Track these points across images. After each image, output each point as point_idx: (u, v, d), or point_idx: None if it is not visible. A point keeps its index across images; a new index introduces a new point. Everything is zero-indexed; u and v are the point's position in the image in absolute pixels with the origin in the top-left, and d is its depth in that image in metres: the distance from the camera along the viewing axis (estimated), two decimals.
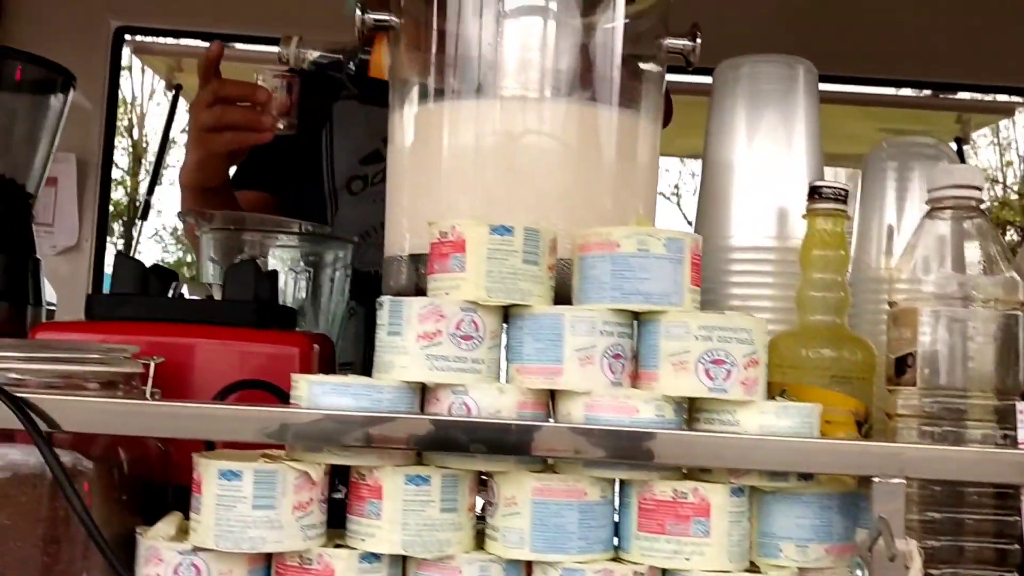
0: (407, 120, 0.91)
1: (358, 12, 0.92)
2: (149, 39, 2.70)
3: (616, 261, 0.68)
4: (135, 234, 2.99)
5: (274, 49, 2.89)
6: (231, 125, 1.18)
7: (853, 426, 0.80)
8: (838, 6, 2.55)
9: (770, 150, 0.91)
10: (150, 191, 2.86)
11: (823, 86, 0.98)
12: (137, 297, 0.83)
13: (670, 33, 0.90)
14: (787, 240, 0.90)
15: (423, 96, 0.90)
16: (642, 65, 0.88)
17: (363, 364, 1.12)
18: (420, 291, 0.87)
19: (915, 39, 2.57)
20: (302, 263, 1.14)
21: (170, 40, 2.78)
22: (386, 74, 1.17)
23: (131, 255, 0.86)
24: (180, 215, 1.09)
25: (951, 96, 3.18)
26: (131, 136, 10.06)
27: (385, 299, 0.70)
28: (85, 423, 0.64)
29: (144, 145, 10.02)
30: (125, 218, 9.10)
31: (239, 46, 2.79)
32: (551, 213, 0.82)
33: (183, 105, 2.99)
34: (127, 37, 2.58)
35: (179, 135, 3.89)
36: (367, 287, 1.24)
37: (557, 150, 0.84)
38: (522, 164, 0.84)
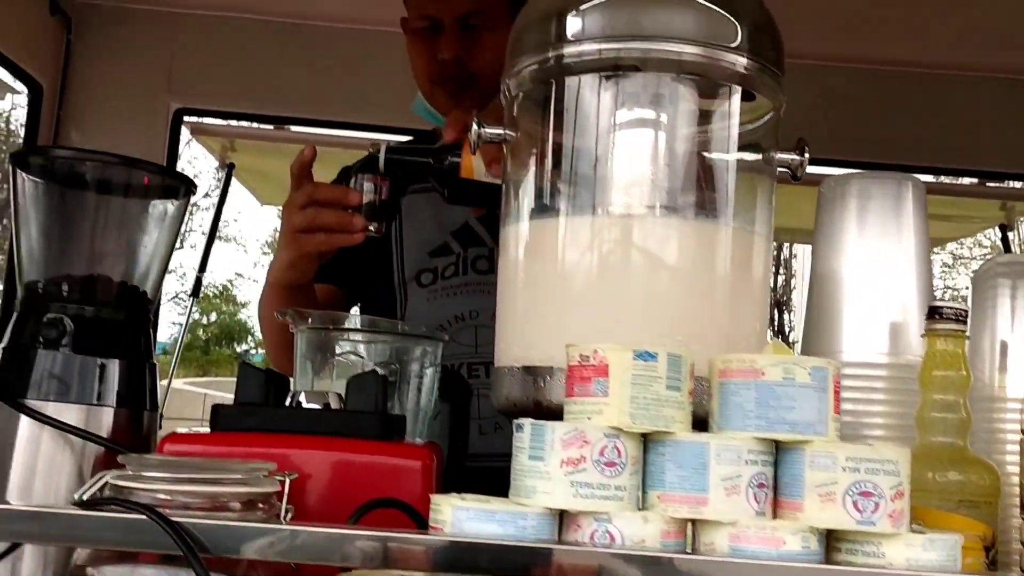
0: (520, 233, 0.92)
1: (474, 126, 0.94)
2: (205, 120, 2.76)
3: (761, 389, 0.68)
4: (188, 311, 2.99)
5: (325, 132, 2.94)
6: (323, 227, 1.20)
7: (981, 551, 0.79)
8: (883, 94, 2.59)
9: (880, 266, 0.92)
10: (202, 268, 2.89)
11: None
12: (262, 408, 0.83)
13: (779, 146, 0.92)
14: (899, 356, 0.90)
15: (537, 210, 0.92)
16: (754, 179, 0.90)
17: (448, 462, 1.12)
18: (537, 404, 0.88)
19: (959, 128, 2.60)
20: (391, 360, 1.15)
21: (223, 121, 2.83)
22: (476, 174, 1.19)
23: (251, 364, 0.87)
24: (279, 313, 1.09)
25: (996, 184, 3.19)
26: None
27: (526, 422, 0.70)
28: (235, 548, 0.64)
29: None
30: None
31: (294, 128, 2.85)
32: (668, 331, 0.83)
33: (235, 183, 3.04)
34: (185, 119, 2.64)
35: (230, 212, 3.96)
36: (449, 383, 1.25)
37: (672, 267, 0.85)
38: (637, 281, 0.85)
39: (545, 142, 0.91)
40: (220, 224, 3.06)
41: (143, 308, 0.92)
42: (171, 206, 0.94)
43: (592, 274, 0.86)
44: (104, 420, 0.88)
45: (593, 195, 0.88)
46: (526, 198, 0.93)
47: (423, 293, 1.50)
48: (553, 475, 0.67)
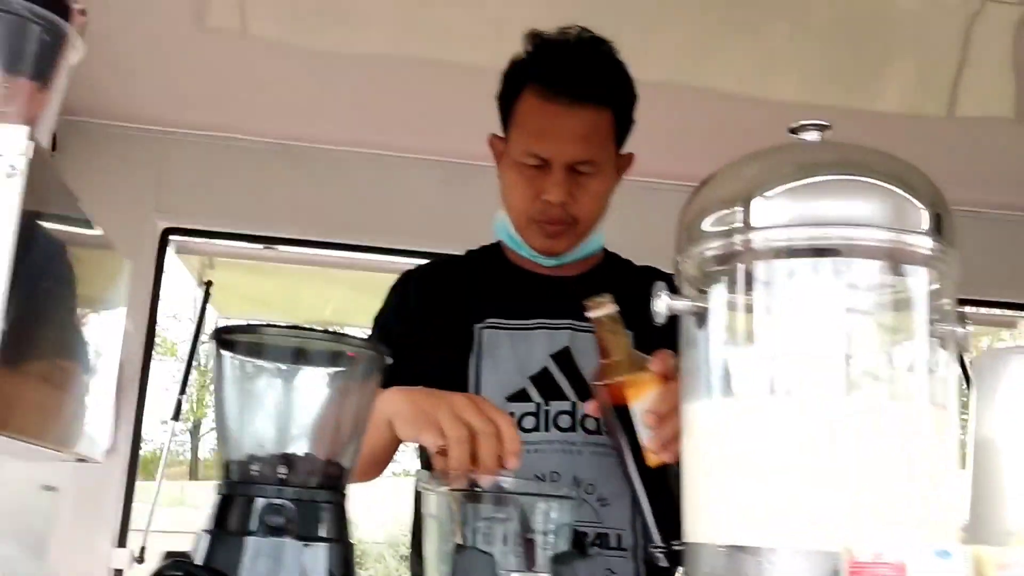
0: (713, 410, 0.94)
1: (665, 296, 0.96)
2: (190, 239, 2.71)
3: None
4: (169, 435, 2.89)
5: (313, 252, 2.94)
6: (471, 452, 1.15)
7: None
8: None
9: None
10: (182, 390, 2.81)
11: None
12: None
13: (944, 318, 0.97)
14: None
15: (726, 389, 0.94)
16: (940, 353, 0.94)
17: None
18: None
19: None
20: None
21: (207, 240, 2.79)
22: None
23: (476, 550, 0.86)
24: (421, 486, 1.08)
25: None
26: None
27: None
28: None
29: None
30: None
31: (281, 248, 2.82)
32: (876, 514, 0.85)
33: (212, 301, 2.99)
34: (171, 238, 2.60)
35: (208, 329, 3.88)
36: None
37: (876, 449, 0.88)
38: (835, 467, 0.87)
39: (732, 322, 0.95)
40: (199, 344, 2.99)
41: (344, 485, 0.91)
42: (369, 376, 0.93)
43: (791, 456, 0.88)
44: None
45: (789, 376, 0.91)
46: (716, 377, 0.95)
47: None
48: None
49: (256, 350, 0.90)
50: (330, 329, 0.89)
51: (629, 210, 2.83)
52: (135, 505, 2.42)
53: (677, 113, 2.62)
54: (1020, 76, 2.56)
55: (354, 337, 0.89)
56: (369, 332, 1.61)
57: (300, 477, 0.87)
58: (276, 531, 0.83)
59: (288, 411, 0.90)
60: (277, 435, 0.89)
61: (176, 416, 2.76)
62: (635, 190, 2.82)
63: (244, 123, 2.59)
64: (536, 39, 1.54)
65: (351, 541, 0.90)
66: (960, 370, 0.95)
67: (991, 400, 1.00)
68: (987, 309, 3.13)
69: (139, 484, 2.43)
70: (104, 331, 0.98)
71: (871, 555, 0.72)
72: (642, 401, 1.15)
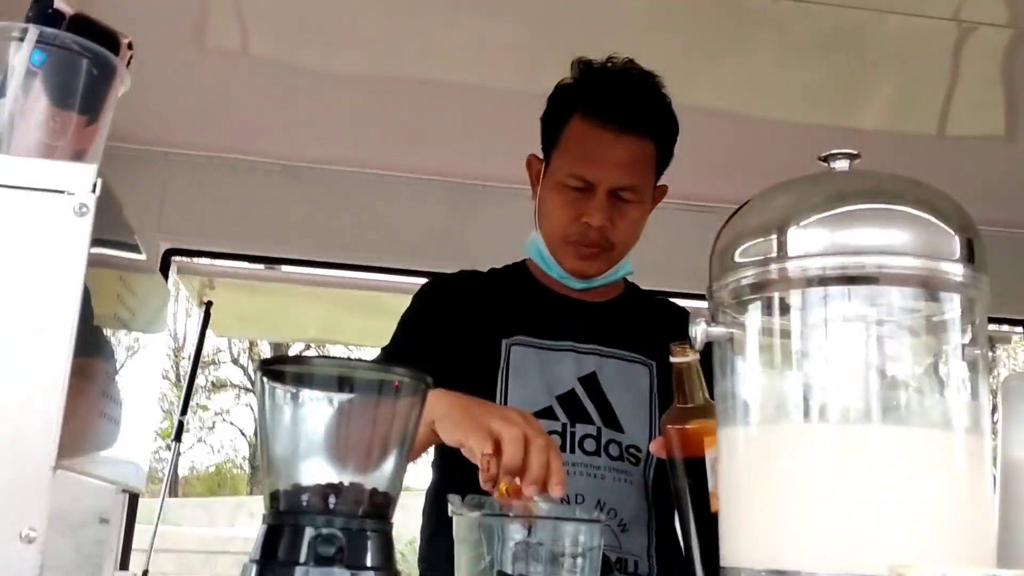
0: (751, 436, 0.96)
1: (703, 325, 0.97)
2: (192, 260, 2.71)
3: None
4: (172, 455, 2.87)
5: (315, 272, 2.94)
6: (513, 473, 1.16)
7: None
8: None
9: None
10: (183, 411, 2.80)
11: None
12: None
13: (976, 344, 0.99)
14: None
15: (766, 415, 0.95)
16: (976, 378, 0.96)
17: None
18: None
19: None
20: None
21: (208, 260, 2.79)
22: None
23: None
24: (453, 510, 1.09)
25: None
26: None
27: None
28: None
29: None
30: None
31: (285, 268, 2.83)
32: (917, 541, 0.87)
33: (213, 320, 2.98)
34: (173, 259, 2.59)
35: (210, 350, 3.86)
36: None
37: (908, 477, 0.89)
38: (871, 491, 0.88)
39: (768, 349, 0.96)
40: (200, 364, 2.98)
41: (389, 514, 0.91)
42: (412, 404, 0.94)
43: (828, 481, 0.90)
44: None
45: (826, 402, 0.93)
46: (754, 403, 0.96)
47: None
48: None
49: (302, 381, 0.91)
50: (375, 363, 0.89)
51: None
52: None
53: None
54: (1009, 95, 2.60)
55: (400, 367, 0.89)
56: (393, 336, 1.61)
57: (348, 506, 0.87)
58: (326, 561, 0.84)
59: (335, 441, 0.90)
60: (324, 465, 0.89)
61: (178, 437, 2.75)
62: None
63: (245, 143, 2.60)
64: (584, 66, 1.58)
65: (397, 570, 0.90)
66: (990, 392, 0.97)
67: (1019, 424, 1.02)
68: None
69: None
70: (149, 359, 0.98)
71: None
72: (716, 449, 1.16)
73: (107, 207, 0.74)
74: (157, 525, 2.52)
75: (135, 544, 2.55)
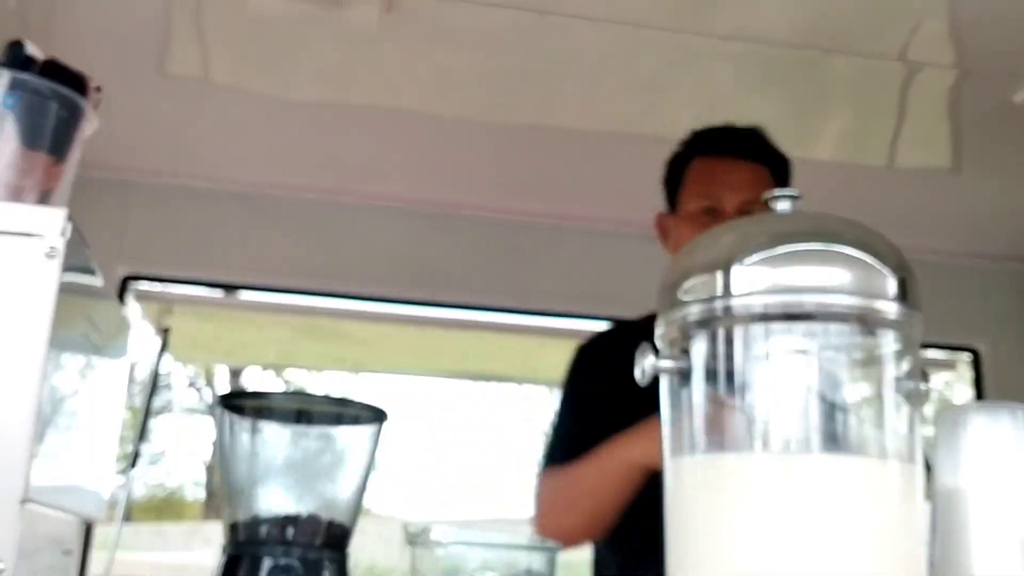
0: (691, 465, 0.99)
1: (652, 357, 1.01)
2: (149, 286, 2.71)
3: None
4: (127, 485, 2.85)
5: (276, 298, 2.95)
6: None
7: None
8: None
9: (1005, 487, 1.04)
10: (140, 439, 2.79)
11: None
12: None
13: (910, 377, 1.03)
14: None
15: (706, 445, 0.99)
16: (909, 411, 1.01)
17: None
18: None
19: None
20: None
21: (164, 287, 2.79)
22: None
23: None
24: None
25: None
26: None
27: None
28: None
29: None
30: None
31: (245, 295, 2.83)
32: (852, 567, 0.91)
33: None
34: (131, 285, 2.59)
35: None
36: None
37: (851, 505, 0.94)
38: (809, 521, 0.93)
39: (713, 382, 1.00)
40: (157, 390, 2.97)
41: (346, 544, 0.94)
42: (370, 437, 0.97)
43: (767, 512, 0.93)
44: None
45: (766, 434, 0.97)
46: (697, 435, 1.00)
47: None
48: None
49: (261, 414, 0.93)
50: (336, 397, 0.92)
51: (580, 256, 2.91)
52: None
53: (622, 161, 2.70)
54: (955, 130, 2.68)
55: (356, 401, 0.92)
56: (560, 410, 1.69)
57: (305, 537, 0.90)
58: None
59: (293, 473, 0.93)
60: (282, 496, 0.92)
61: (134, 463, 2.74)
62: (585, 236, 2.91)
63: (206, 170, 2.61)
64: (696, 131, 1.82)
65: None
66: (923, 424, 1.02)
67: (954, 454, 1.06)
68: (925, 352, 3.23)
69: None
70: (112, 388, 1.00)
71: None
72: None
73: (73, 244, 0.76)
74: (114, 553, 2.51)
75: (90, 573, 2.53)
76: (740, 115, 2.58)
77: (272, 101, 2.41)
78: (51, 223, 0.73)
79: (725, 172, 1.71)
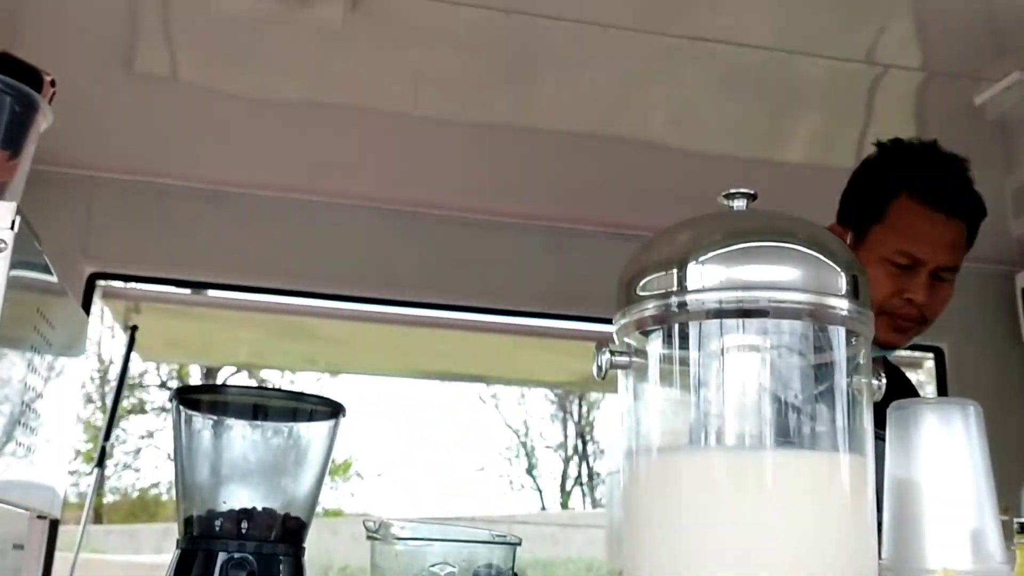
0: (649, 458, 1.00)
1: (607, 354, 1.02)
2: (115, 284, 2.70)
3: None
4: (94, 483, 2.83)
5: (242, 296, 2.94)
6: None
7: None
8: None
9: (955, 478, 1.06)
10: (106, 436, 2.77)
11: None
12: None
13: (859, 373, 1.05)
14: (983, 563, 1.03)
15: (664, 438, 1.00)
16: (859, 406, 1.02)
17: None
18: None
19: None
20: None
21: (131, 285, 2.78)
22: None
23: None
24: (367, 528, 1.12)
25: None
26: None
27: None
28: None
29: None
30: None
31: (212, 293, 2.83)
32: (802, 556, 0.92)
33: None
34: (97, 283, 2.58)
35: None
36: None
37: (804, 496, 0.95)
38: (762, 511, 0.94)
39: (669, 377, 1.01)
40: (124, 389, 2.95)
41: (301, 538, 0.94)
42: (327, 432, 0.97)
43: (724, 504, 0.95)
44: None
45: (720, 428, 0.98)
46: (655, 428, 1.02)
47: None
48: None
49: (217, 408, 0.93)
50: (292, 391, 0.92)
51: (551, 256, 2.92)
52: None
53: (597, 162, 2.72)
54: (921, 130, 2.71)
55: (312, 395, 0.92)
56: None
57: (260, 531, 0.90)
58: None
59: (248, 467, 0.93)
60: (238, 490, 0.92)
61: (100, 463, 2.73)
62: (557, 236, 2.92)
63: (173, 168, 2.60)
64: (903, 145, 1.75)
65: None
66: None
67: (905, 448, 1.08)
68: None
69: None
70: (67, 384, 1.00)
71: None
72: None
73: (23, 239, 0.76)
74: (78, 552, 2.49)
75: (56, 574, 2.51)
76: (711, 117, 2.61)
77: (240, 100, 2.41)
78: (0, 217, 0.73)
79: (937, 229, 1.65)
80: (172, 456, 0.91)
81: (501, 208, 2.89)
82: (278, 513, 0.92)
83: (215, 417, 0.93)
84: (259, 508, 0.91)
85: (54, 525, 2.32)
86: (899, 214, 1.69)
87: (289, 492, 0.93)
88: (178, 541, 0.90)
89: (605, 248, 2.77)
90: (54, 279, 0.94)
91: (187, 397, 0.92)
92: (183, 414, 0.91)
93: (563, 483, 22.98)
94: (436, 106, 2.47)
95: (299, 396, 0.94)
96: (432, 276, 2.85)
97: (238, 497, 0.91)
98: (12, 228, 0.72)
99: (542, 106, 2.54)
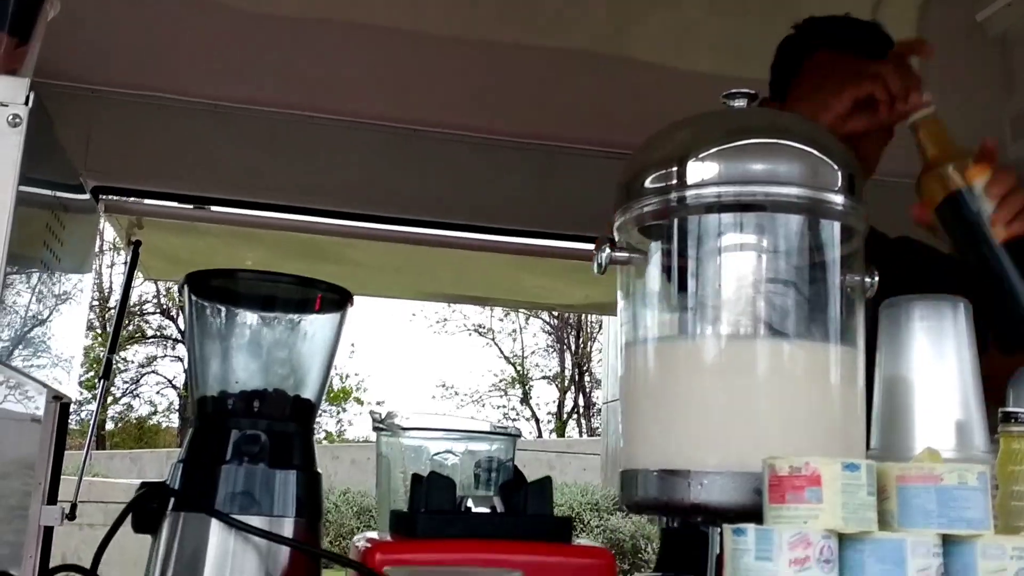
0: (649, 351, 1.04)
1: (607, 250, 1.04)
2: (119, 199, 2.71)
3: (941, 492, 0.82)
4: (100, 394, 2.87)
5: (247, 212, 2.93)
6: None
7: None
8: None
9: (942, 372, 1.09)
10: (111, 349, 2.80)
11: None
12: (458, 515, 0.90)
13: (853, 269, 1.07)
14: (966, 451, 1.06)
15: (664, 331, 1.03)
16: (853, 300, 1.05)
17: None
18: (668, 503, 0.97)
19: None
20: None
21: (136, 199, 2.78)
22: None
23: (438, 473, 0.94)
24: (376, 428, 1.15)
25: None
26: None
27: (750, 527, 0.81)
28: None
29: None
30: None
31: (215, 208, 2.83)
32: (793, 441, 0.95)
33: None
34: (100, 197, 2.59)
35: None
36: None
37: (793, 385, 0.99)
38: (755, 398, 0.98)
39: (669, 271, 1.04)
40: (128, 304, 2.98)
41: (311, 419, 0.97)
42: (335, 319, 1.00)
43: (719, 390, 0.98)
44: (286, 530, 0.92)
45: (716, 319, 1.01)
46: (653, 320, 1.05)
47: None
48: (781, 574, 0.78)
49: (228, 295, 0.96)
50: (301, 276, 0.95)
51: (555, 175, 2.93)
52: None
53: (596, 81, 2.70)
54: None
55: (321, 281, 0.95)
56: None
57: (271, 410, 0.93)
58: (250, 459, 0.90)
59: (260, 350, 0.96)
60: (250, 373, 0.95)
61: (107, 374, 2.77)
62: (557, 155, 2.93)
63: (175, 82, 2.59)
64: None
65: (318, 471, 0.97)
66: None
67: (896, 342, 1.11)
68: None
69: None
70: (80, 287, 1.02)
71: (789, 469, 0.82)
72: (980, 180, 1.21)
73: (45, 134, 0.78)
74: (86, 459, 2.54)
75: (61, 495, 2.54)
76: (716, 38, 2.60)
77: (241, 15, 2.39)
78: (14, 92, 0.75)
79: (848, 67, 1.61)
80: (183, 340, 0.93)
81: (503, 127, 2.88)
82: (289, 395, 0.95)
83: (226, 302, 0.95)
84: (270, 390, 0.94)
85: (65, 408, 2.35)
86: (817, 66, 1.72)
87: (299, 375, 0.96)
88: (191, 420, 0.93)
89: (604, 168, 2.77)
90: (82, 189, 0.96)
91: (199, 282, 0.94)
92: (194, 299, 0.94)
93: (559, 412, 23.22)
94: (439, 23, 2.45)
95: (310, 282, 0.97)
96: (433, 194, 2.85)
97: (250, 379, 0.95)
98: (27, 104, 0.74)
99: (545, 24, 2.52)
